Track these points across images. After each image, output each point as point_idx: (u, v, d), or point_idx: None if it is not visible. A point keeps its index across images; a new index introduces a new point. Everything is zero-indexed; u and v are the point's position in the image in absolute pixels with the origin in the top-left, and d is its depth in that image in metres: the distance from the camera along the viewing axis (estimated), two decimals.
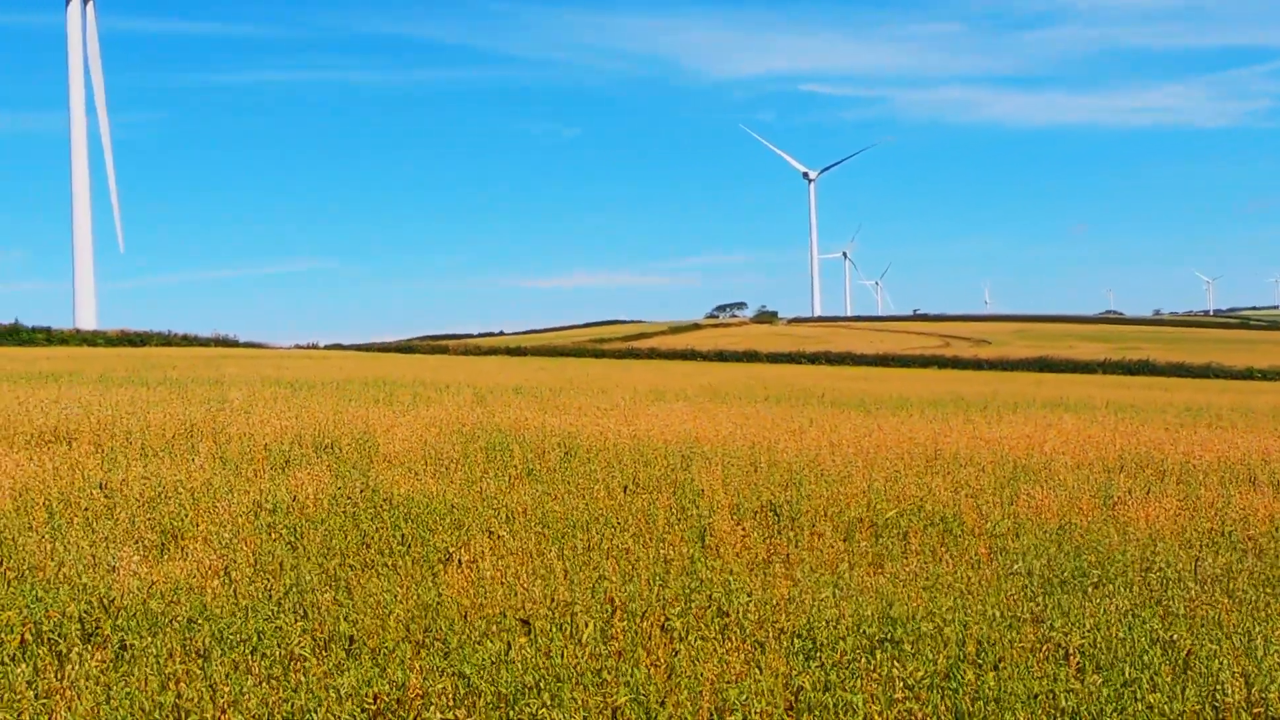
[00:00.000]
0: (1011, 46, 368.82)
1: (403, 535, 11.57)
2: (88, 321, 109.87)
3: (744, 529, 12.23)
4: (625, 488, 14.86)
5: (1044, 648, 8.28)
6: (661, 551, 11.22)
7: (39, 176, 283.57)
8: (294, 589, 9.39)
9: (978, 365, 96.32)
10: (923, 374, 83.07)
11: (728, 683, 7.38)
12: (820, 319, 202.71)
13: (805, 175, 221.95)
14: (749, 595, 9.38)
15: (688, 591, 9.58)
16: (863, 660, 7.96)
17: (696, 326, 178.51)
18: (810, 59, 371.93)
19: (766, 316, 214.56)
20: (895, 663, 7.88)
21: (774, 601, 9.23)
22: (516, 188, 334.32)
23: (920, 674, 7.61)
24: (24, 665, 7.41)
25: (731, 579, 10.03)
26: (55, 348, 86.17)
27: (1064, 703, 7.26)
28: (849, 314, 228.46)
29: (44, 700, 6.88)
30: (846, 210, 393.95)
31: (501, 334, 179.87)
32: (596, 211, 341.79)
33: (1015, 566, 10.89)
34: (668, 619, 8.64)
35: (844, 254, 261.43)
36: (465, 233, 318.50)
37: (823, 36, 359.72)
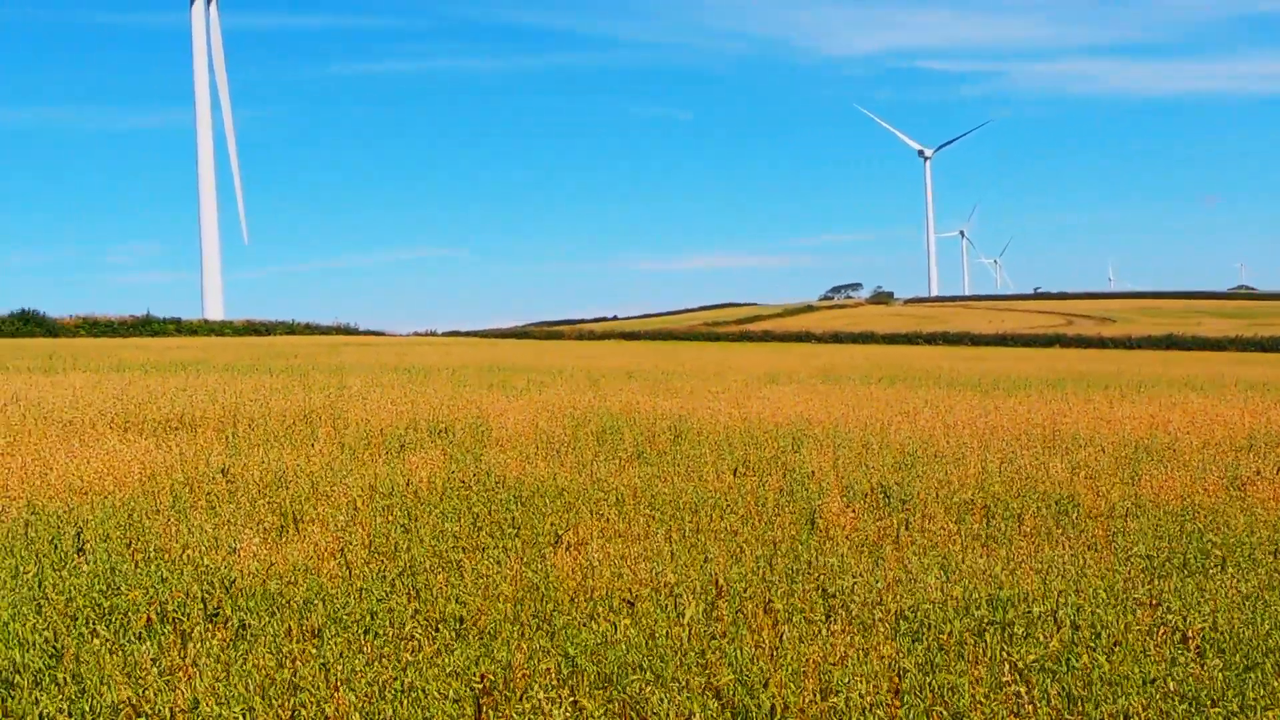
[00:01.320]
0: (1136, 15, 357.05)
1: (513, 518, 11.73)
2: (215, 312, 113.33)
3: (854, 511, 12.13)
4: (735, 470, 14.85)
5: (1161, 631, 8.06)
6: (769, 534, 11.20)
7: (168, 171, 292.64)
8: (406, 570, 9.59)
9: (1101, 344, 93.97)
10: (1043, 353, 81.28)
11: (832, 664, 7.33)
12: (937, 299, 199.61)
13: (921, 153, 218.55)
14: (855, 577, 9.31)
15: (793, 573, 9.54)
16: (970, 643, 7.85)
17: (811, 308, 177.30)
18: (928, 34, 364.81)
19: (882, 297, 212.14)
20: (1004, 645, 7.75)
21: (881, 584, 9.14)
22: (630, 172, 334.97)
23: (1030, 657, 7.47)
24: (149, 643, 7.69)
25: (839, 561, 9.97)
26: (185, 338, 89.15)
27: (1182, 687, 7.06)
28: (967, 293, 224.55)
29: (167, 677, 7.13)
30: (963, 187, 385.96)
31: (616, 319, 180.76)
32: (710, 194, 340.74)
33: (1134, 549, 10.62)
34: (772, 600, 8.62)
35: (961, 232, 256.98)
36: (580, 218, 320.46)
37: (941, 10, 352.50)
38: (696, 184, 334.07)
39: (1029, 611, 8.50)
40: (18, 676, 7.09)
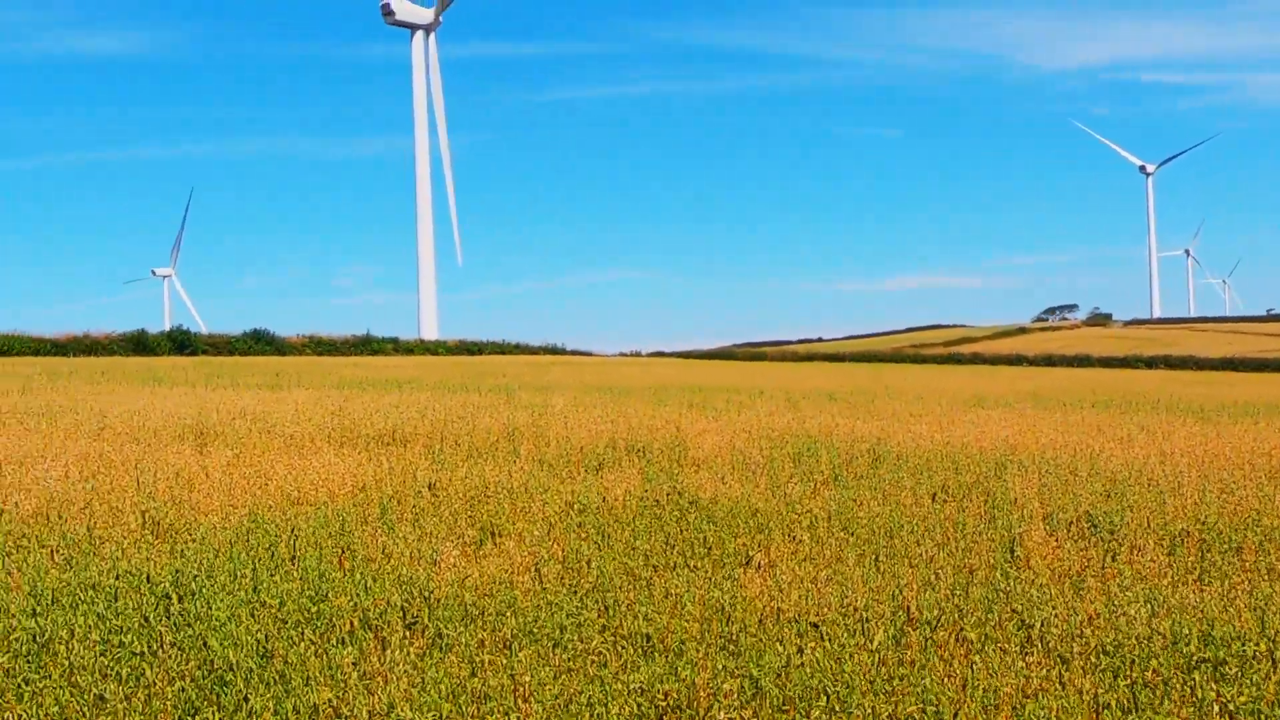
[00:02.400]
0: None
1: (705, 537, 11.76)
2: (430, 331, 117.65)
3: (1056, 540, 11.70)
4: (933, 495, 14.53)
5: None
6: (966, 561, 10.91)
7: (389, 197, 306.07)
8: (597, 586, 9.73)
9: None
10: (1275, 378, 76.64)
11: (1026, 697, 7.09)
12: (1160, 320, 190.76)
13: (1142, 168, 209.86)
14: (1055, 608, 8.97)
15: (989, 602, 9.27)
16: (1178, 681, 7.46)
17: (1023, 330, 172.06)
18: (1151, 45, 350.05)
19: (1100, 318, 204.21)
20: (1214, 685, 7.35)
21: (1082, 616, 8.79)
22: (837, 192, 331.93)
23: (1243, 699, 7.06)
24: (351, 648, 8.03)
25: (1038, 591, 9.63)
26: (401, 356, 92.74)
27: None
28: (1192, 315, 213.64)
29: (366, 681, 7.43)
30: (1189, 204, 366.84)
31: (819, 340, 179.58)
32: (917, 213, 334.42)
33: None
34: (965, 629, 8.39)
35: (1186, 251, 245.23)
36: (786, 238, 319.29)
37: (1167, 21, 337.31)
38: (904, 203, 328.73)
39: (1243, 650, 8.03)
40: (230, 674, 7.50)
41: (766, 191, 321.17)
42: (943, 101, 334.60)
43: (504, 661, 7.77)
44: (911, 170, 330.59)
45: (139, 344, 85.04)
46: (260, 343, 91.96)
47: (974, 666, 7.61)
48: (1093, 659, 7.95)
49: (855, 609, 8.99)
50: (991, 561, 10.89)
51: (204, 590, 9.33)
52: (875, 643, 8.00)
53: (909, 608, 8.87)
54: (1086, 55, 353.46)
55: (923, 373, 78.48)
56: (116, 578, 9.69)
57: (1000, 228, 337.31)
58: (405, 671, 7.54)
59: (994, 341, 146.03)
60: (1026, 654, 7.99)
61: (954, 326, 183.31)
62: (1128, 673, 7.67)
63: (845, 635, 8.30)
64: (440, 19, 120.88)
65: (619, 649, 8.12)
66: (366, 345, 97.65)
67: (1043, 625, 8.60)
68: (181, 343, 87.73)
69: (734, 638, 8.32)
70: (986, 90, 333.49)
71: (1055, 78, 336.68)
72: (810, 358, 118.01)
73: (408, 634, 8.41)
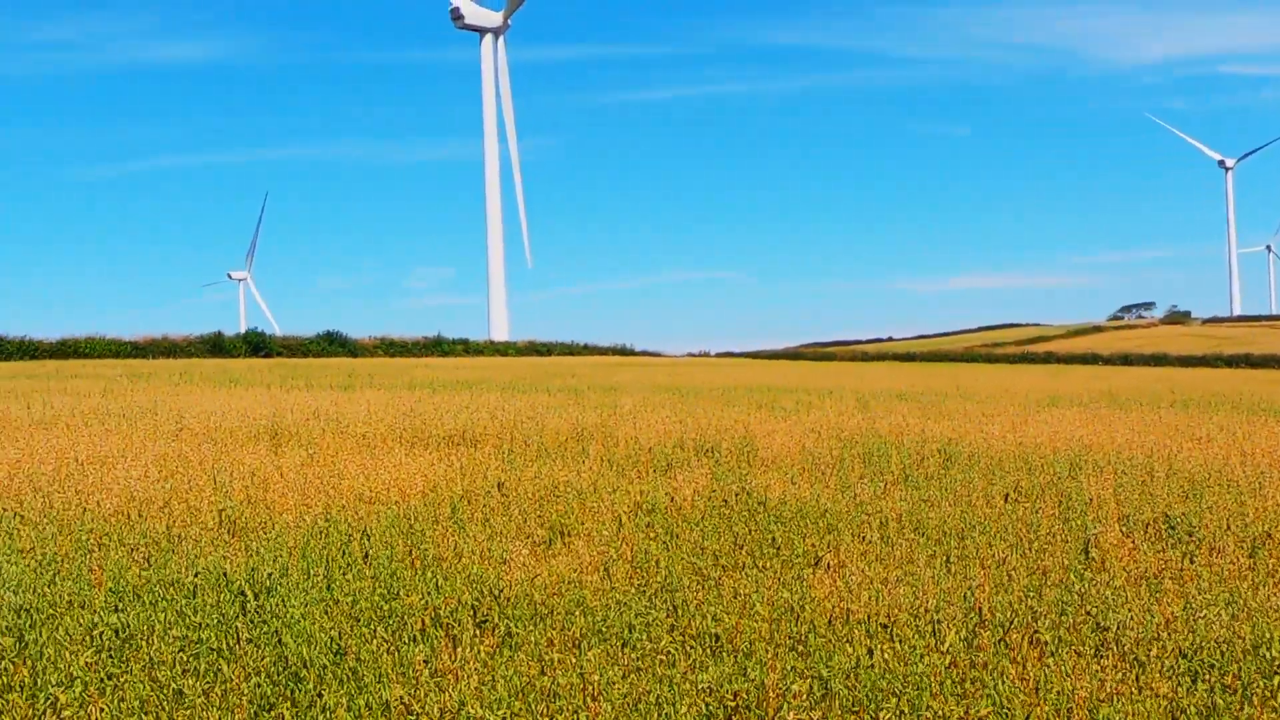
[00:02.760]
0: None
1: (773, 538, 11.72)
2: (500, 333, 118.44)
3: (1133, 541, 11.52)
4: (1006, 496, 14.35)
5: None
6: (1040, 562, 10.76)
7: (459, 200, 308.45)
8: (665, 586, 9.74)
9: None
10: None
11: (1100, 700, 6.99)
12: (1240, 318, 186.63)
13: (1221, 163, 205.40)
14: (1131, 611, 8.83)
15: (1063, 604, 9.14)
16: (1259, 685, 7.31)
17: (1098, 329, 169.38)
18: (1229, 37, 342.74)
19: (1178, 317, 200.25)
20: None
21: (1159, 619, 8.64)
22: (905, 190, 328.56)
23: None
24: (423, 646, 8.11)
25: (1113, 593, 9.48)
26: (471, 358, 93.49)
27: None
28: (1274, 312, 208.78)
29: (438, 678, 7.50)
30: (1269, 199, 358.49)
31: (890, 339, 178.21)
32: (988, 211, 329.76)
33: None
34: (1039, 631, 8.28)
35: (1268, 247, 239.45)
36: (854, 237, 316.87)
37: (1247, 11, 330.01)
38: (974, 201, 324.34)
39: None
40: (305, 670, 7.62)
41: (834, 191, 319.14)
42: (1013, 97, 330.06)
43: (573, 660, 7.81)
44: (981, 168, 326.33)
45: (216, 346, 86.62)
46: (333, 344, 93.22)
47: (1048, 669, 7.52)
48: (1170, 663, 7.81)
49: (926, 610, 8.91)
50: (1066, 563, 10.74)
51: (279, 588, 9.48)
52: (946, 644, 7.92)
53: (981, 609, 8.78)
54: (1161, 48, 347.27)
55: (995, 372, 77.55)
56: (195, 575, 9.88)
57: (1074, 225, 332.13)
58: (475, 669, 7.60)
59: (1068, 340, 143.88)
60: (1101, 657, 7.88)
61: (1027, 325, 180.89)
62: (1206, 677, 7.53)
63: (916, 637, 8.23)
64: (509, 22, 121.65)
65: (687, 649, 8.13)
66: (437, 346, 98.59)
67: (1118, 628, 8.47)
68: (256, 345, 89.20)
69: (803, 638, 8.29)
70: (1058, 85, 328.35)
71: (1129, 72, 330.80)
72: (880, 357, 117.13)
73: (478, 632, 8.49)
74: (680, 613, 8.93)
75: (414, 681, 7.42)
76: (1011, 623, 8.56)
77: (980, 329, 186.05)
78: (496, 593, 9.44)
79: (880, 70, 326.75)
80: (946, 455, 18.40)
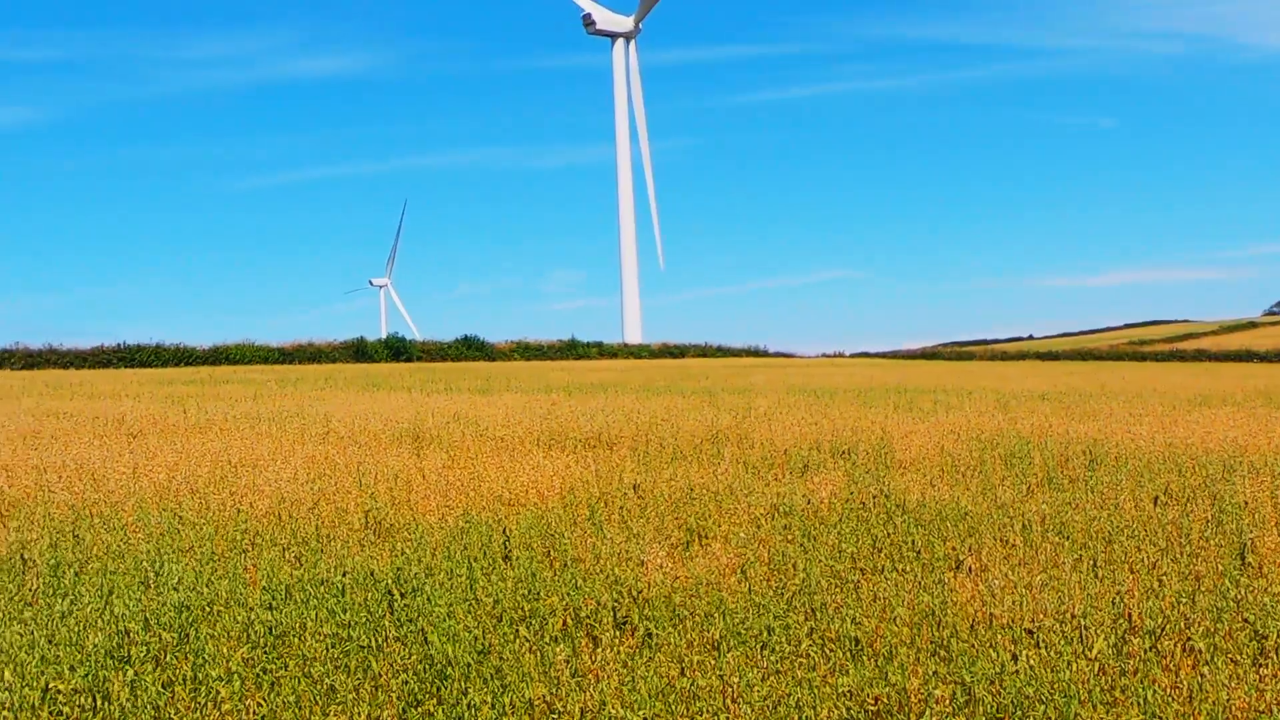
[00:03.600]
0: None
1: (913, 541, 11.58)
2: (634, 335, 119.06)
3: None
4: (1155, 498, 13.92)
5: None
6: (1192, 567, 10.43)
7: (594, 204, 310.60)
8: (803, 589, 9.70)
9: None
10: None
11: (1259, 711, 6.74)
12: None
13: None
14: None
15: (1219, 610, 8.84)
16: None
17: (1253, 325, 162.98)
18: None
19: None
20: None
21: None
22: (1047, 184, 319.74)
23: None
24: (564, 645, 8.23)
25: (1272, 600, 9.13)
26: (605, 360, 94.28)
27: None
28: None
29: (579, 678, 7.61)
30: None
31: (1030, 338, 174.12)
32: (1134, 205, 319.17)
33: None
34: (1192, 639, 8.02)
35: None
36: (993, 234, 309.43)
37: None
38: (1119, 195, 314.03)
39: None
40: (450, 669, 7.80)
41: (973, 187, 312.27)
42: (1160, 87, 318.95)
43: (712, 662, 7.84)
44: (1128, 160, 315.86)
45: (358, 351, 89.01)
46: (471, 348, 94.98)
47: (1202, 678, 7.28)
48: None
49: (1073, 616, 8.70)
50: (1220, 568, 10.38)
51: (424, 588, 9.72)
52: (1095, 651, 7.73)
53: (1131, 615, 8.55)
54: None
55: (1142, 371, 75.19)
56: (343, 575, 10.19)
57: (1225, 217, 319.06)
58: (616, 670, 7.68)
59: (1220, 337, 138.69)
60: (1260, 666, 7.60)
61: (1176, 322, 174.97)
62: None
63: (1062, 643, 8.05)
64: (640, 26, 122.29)
65: (827, 652, 8.09)
66: (572, 349, 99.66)
67: (1278, 636, 8.15)
68: (397, 349, 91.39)
69: (944, 643, 8.18)
70: (1208, 73, 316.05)
71: None
72: (1020, 357, 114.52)
73: (618, 633, 8.57)
74: (819, 615, 8.89)
75: (555, 681, 7.54)
76: (1163, 629, 8.32)
77: (1126, 326, 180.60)
78: (635, 594, 9.52)
79: (1020, 62, 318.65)
80: (1091, 457, 17.94)
